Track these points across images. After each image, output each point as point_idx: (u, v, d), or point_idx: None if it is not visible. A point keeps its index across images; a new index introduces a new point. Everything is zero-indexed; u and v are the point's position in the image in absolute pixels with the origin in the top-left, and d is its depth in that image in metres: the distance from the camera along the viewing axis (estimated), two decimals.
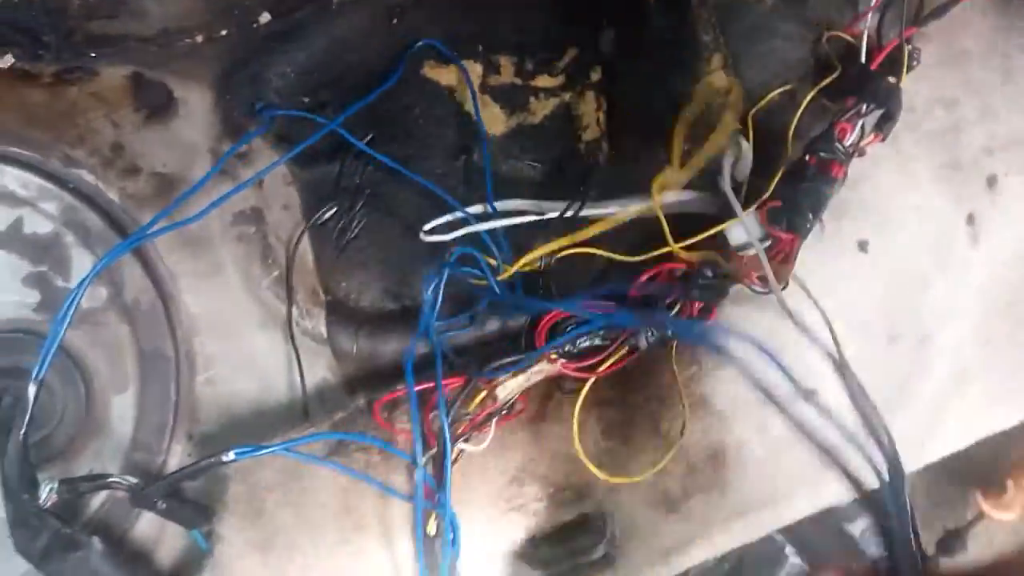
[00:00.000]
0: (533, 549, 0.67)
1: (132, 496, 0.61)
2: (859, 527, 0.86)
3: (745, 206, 0.63)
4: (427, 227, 0.71)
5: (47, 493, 0.60)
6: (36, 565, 0.60)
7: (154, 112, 0.70)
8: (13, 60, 0.65)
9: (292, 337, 0.71)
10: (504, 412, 0.65)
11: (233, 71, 0.72)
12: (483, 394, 0.63)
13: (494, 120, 0.78)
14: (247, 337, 0.71)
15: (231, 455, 0.59)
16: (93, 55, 0.67)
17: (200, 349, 0.70)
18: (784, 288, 0.63)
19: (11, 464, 0.59)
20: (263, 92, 0.72)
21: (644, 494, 0.69)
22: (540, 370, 0.65)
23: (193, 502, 0.63)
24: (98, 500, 0.67)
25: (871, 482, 0.68)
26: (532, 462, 0.68)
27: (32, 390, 0.58)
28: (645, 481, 0.68)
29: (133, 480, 0.62)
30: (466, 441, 0.64)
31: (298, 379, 0.71)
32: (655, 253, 0.66)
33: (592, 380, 0.65)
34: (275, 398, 0.71)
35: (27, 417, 0.58)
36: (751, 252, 0.63)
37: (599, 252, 0.69)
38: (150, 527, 0.68)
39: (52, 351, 0.58)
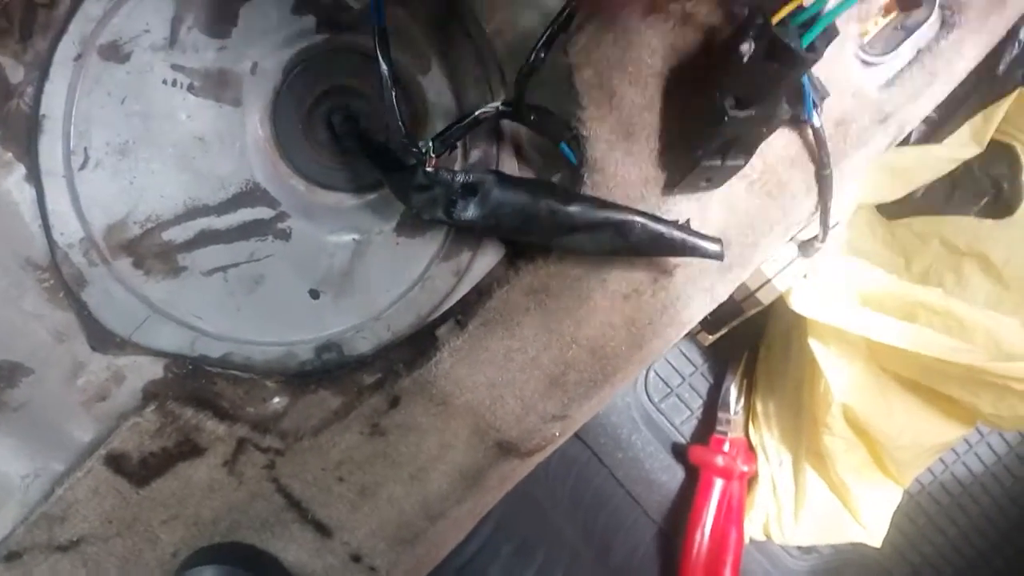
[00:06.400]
0: None
1: (502, 115, 0.63)
2: None
3: None
4: None
5: (426, 152, 0.63)
6: (445, 220, 0.63)
7: None
8: None
9: None
10: None
11: None
12: None
13: None
14: None
15: None
16: None
17: (476, 10, 0.69)
18: None
19: (395, 132, 0.62)
20: None
21: None
22: None
23: (555, 114, 0.64)
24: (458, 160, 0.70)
25: None
26: None
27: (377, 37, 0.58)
28: None
29: (495, 104, 0.63)
30: None
31: None
32: None
33: None
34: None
35: (388, 76, 0.59)
36: None
37: None
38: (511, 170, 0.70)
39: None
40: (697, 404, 1.34)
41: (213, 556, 0.73)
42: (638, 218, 0.62)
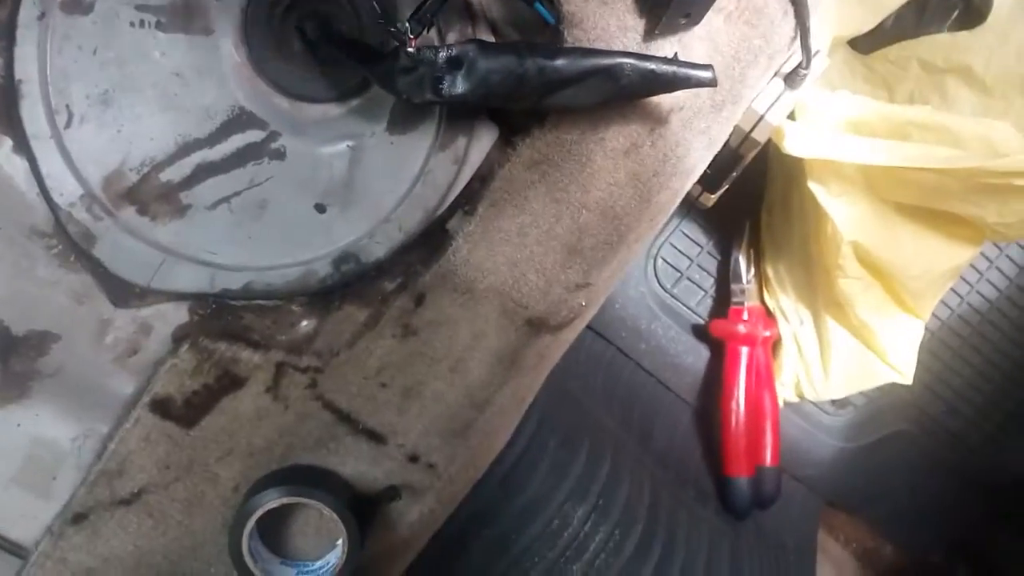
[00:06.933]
0: None
1: None
2: None
3: None
4: None
5: (405, 33, 0.62)
6: (436, 99, 0.63)
7: None
8: None
9: None
10: None
11: None
12: None
13: None
14: None
15: None
16: None
17: None
18: None
19: (370, 16, 0.62)
20: None
21: None
22: None
23: None
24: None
25: None
26: None
27: None
28: None
29: None
30: None
31: None
32: None
33: None
34: None
35: None
36: None
37: None
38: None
39: None
40: (709, 283, 1.35)
41: (272, 483, 0.74)
42: (626, 59, 0.62)
